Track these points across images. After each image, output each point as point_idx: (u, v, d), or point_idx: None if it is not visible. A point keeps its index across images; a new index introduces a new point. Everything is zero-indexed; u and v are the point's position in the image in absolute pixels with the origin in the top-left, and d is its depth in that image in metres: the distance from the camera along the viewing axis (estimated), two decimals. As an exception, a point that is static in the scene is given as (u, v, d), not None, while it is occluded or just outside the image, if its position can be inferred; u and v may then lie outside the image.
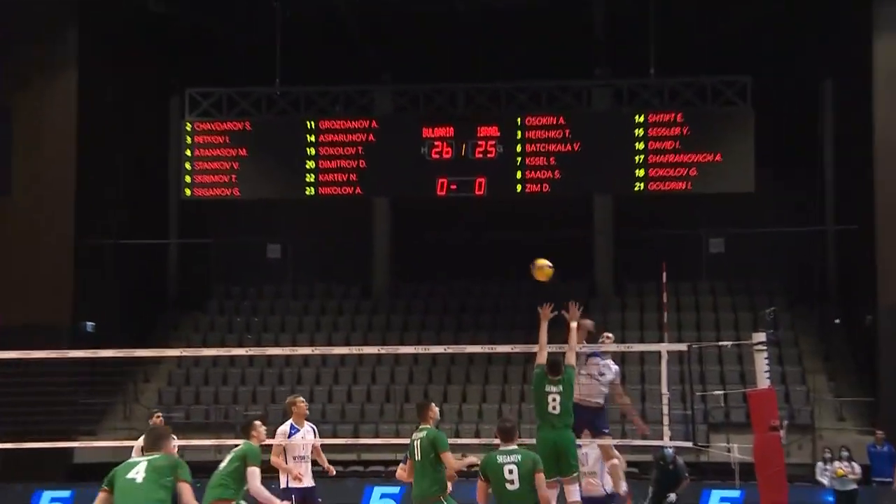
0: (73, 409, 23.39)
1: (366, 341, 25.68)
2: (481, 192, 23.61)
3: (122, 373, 25.13)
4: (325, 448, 23.01)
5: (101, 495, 7.91)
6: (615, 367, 12.59)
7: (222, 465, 10.96)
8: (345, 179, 24.31)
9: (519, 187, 23.63)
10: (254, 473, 10.68)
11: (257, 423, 11.08)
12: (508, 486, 9.22)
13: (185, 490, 7.88)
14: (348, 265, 29.24)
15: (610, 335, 12.94)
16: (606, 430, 12.18)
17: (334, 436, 23.08)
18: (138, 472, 7.89)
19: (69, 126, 25.78)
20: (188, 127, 24.74)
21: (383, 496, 21.90)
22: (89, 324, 26.05)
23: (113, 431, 24.11)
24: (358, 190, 24.42)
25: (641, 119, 23.68)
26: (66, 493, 21.47)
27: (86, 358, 15.73)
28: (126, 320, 26.94)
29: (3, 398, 11.78)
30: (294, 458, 12.62)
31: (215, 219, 29.00)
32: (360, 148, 24.11)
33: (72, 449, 21.89)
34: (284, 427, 12.71)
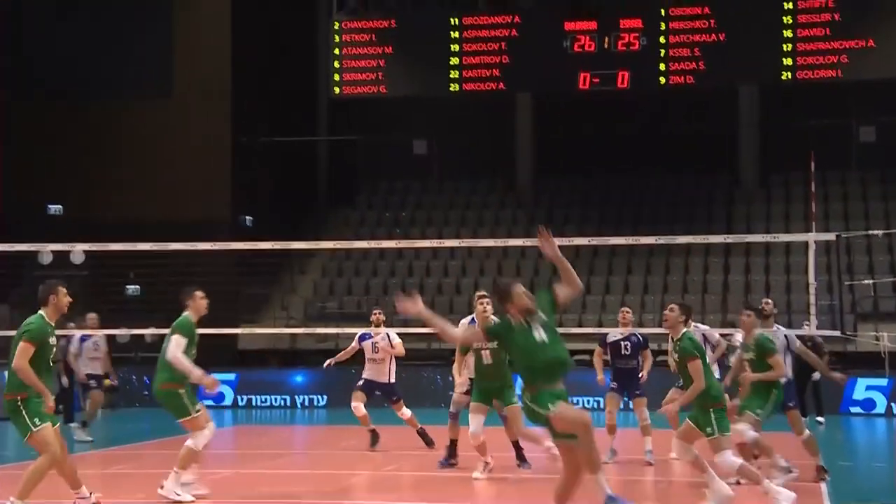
0: (236, 298, 24.25)
1: (510, 234, 25.73)
2: (624, 85, 23.23)
3: (279, 265, 25.86)
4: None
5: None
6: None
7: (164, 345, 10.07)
8: (488, 75, 24.21)
9: (662, 79, 23.18)
10: (177, 343, 9.83)
11: (198, 293, 10.14)
12: None
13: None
14: (492, 160, 29.22)
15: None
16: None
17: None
18: None
19: (225, 28, 26.24)
20: (336, 26, 24.89)
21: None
22: (247, 218, 26.81)
23: (272, 320, 24.91)
24: (501, 85, 24.31)
25: (790, 5, 22.82)
26: (231, 376, 22.37)
27: (246, 250, 16.25)
28: (280, 215, 27.59)
29: (173, 289, 12.28)
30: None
31: (363, 116, 29.26)
32: (503, 43, 23.93)
33: (235, 335, 22.68)
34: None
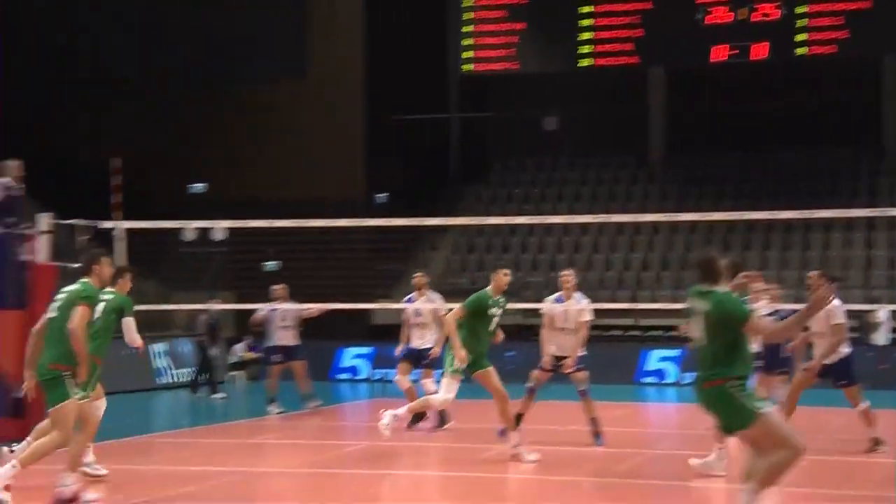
0: (370, 274, 24.43)
1: (643, 210, 25.31)
2: (760, 57, 22.54)
3: (412, 241, 25.94)
4: (604, 312, 23.14)
5: None
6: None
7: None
8: (620, 49, 23.79)
9: (802, 50, 22.37)
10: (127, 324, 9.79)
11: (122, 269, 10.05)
12: None
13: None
14: (623, 136, 28.77)
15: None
16: None
17: (612, 300, 23.06)
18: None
19: (357, 10, 26.40)
20: (468, 2, 24.75)
21: (661, 359, 21.81)
22: (381, 195, 26.97)
23: (405, 295, 24.95)
24: (634, 60, 23.85)
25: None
26: (366, 350, 22.55)
27: (380, 227, 16.27)
28: (413, 192, 27.67)
29: (311, 264, 12.41)
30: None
31: (494, 92, 29.09)
32: (636, 17, 23.45)
33: (370, 310, 22.84)
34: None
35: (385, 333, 24.59)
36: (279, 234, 17.63)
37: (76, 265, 14.23)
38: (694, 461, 9.62)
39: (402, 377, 13.25)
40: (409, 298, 13.74)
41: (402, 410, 10.51)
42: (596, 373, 22.03)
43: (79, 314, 8.39)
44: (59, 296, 8.70)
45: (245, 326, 22.76)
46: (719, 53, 22.75)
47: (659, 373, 21.64)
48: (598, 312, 23.82)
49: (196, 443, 12.72)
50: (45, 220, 12.93)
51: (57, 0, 27.07)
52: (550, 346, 11.68)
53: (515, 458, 10.32)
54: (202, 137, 27.46)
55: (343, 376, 22.39)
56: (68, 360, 8.41)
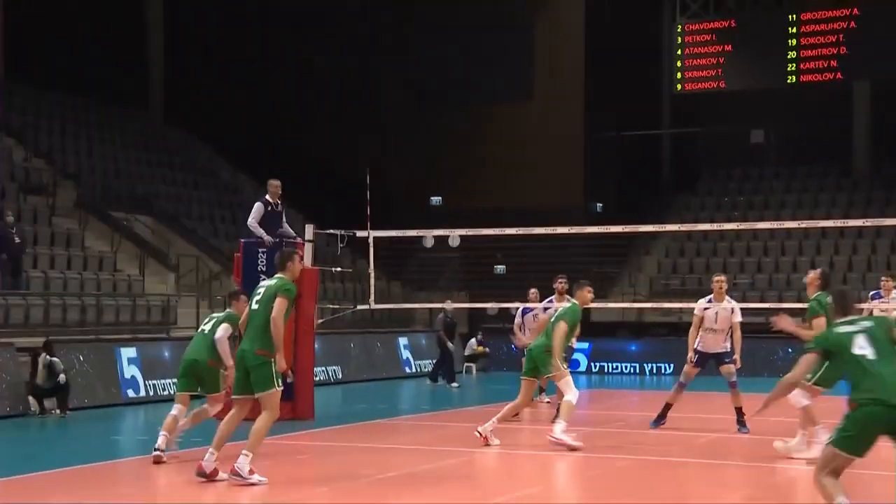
0: (589, 276, 24.33)
1: (846, 216, 24.22)
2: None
3: (627, 246, 25.72)
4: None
5: None
6: None
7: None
8: (825, 66, 22.82)
9: None
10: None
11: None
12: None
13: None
14: (827, 147, 27.59)
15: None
16: None
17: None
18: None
19: (578, 37, 26.44)
20: (679, 28, 24.34)
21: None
22: (598, 205, 26.89)
23: (621, 295, 24.84)
24: (838, 75, 22.82)
25: None
26: (584, 346, 22.54)
27: (598, 233, 16.24)
28: (627, 201, 27.43)
29: (535, 267, 12.58)
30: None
31: (703, 109, 28.48)
32: (840, 35, 22.43)
33: (589, 309, 22.77)
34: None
35: (602, 330, 24.54)
36: (507, 240, 17.86)
37: (336, 269, 14.87)
38: (778, 444, 9.78)
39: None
40: (527, 309, 13.72)
41: (560, 425, 10.46)
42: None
43: (279, 305, 8.38)
44: (259, 290, 8.68)
45: (477, 323, 23.21)
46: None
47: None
48: (803, 312, 23.06)
49: (434, 426, 13.09)
50: (310, 230, 13.66)
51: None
52: (698, 344, 11.82)
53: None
54: (440, 154, 28.12)
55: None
56: (271, 348, 8.39)
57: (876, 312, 13.41)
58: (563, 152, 27.26)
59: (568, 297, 12.66)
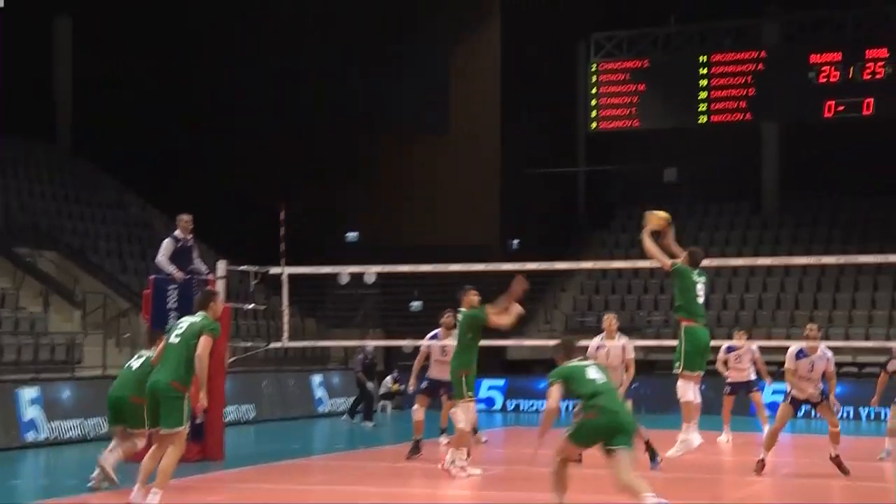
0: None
1: (757, 254, 24.88)
2: (869, 112, 21.94)
3: (543, 283, 25.96)
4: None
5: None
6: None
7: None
8: (735, 107, 23.48)
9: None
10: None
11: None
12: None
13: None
14: (738, 185, 28.34)
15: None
16: None
17: (728, 339, 22.60)
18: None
19: (495, 74, 26.77)
20: (593, 68, 24.84)
21: (775, 392, 21.25)
22: (515, 242, 27.13)
23: (537, 333, 25.03)
24: (747, 116, 23.51)
25: None
26: (500, 382, 22.64)
27: (514, 270, 16.36)
28: (543, 239, 27.73)
29: (452, 303, 12.66)
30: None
31: (618, 147, 29.03)
32: (749, 77, 23.13)
33: (505, 347, 22.95)
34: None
35: (518, 367, 24.69)
36: (424, 276, 17.90)
37: (249, 306, 14.78)
38: None
39: (419, 408, 13.07)
40: (435, 335, 13.53)
41: (459, 455, 10.83)
42: (713, 408, 21.66)
43: (205, 343, 8.68)
44: (180, 324, 8.96)
45: (393, 360, 23.13)
46: (830, 109, 22.22)
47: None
48: (714, 350, 23.42)
49: (349, 465, 12.99)
50: (222, 266, 13.51)
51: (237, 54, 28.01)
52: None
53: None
54: (357, 188, 28.07)
55: (480, 406, 22.50)
56: (186, 383, 8.63)
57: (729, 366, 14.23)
58: (481, 188, 27.47)
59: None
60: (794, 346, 11.82)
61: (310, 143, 28.20)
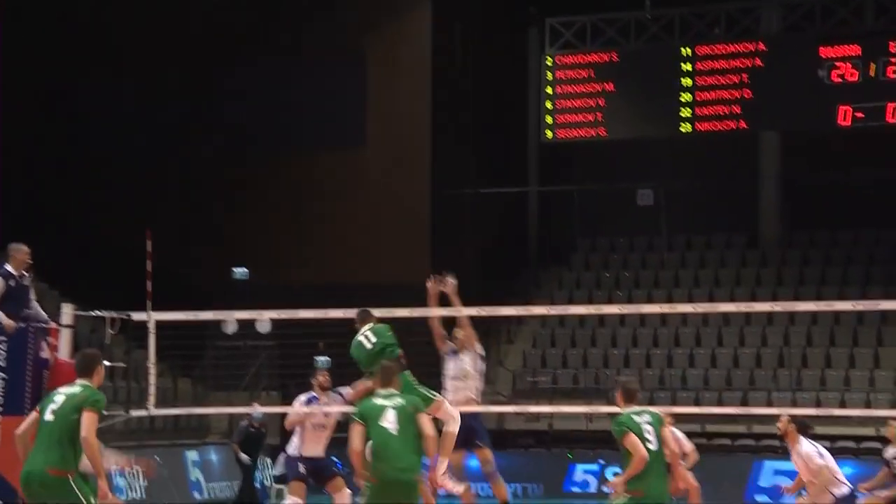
0: (436, 371, 24.33)
1: (753, 297, 25.17)
2: (894, 120, 22.27)
3: (485, 333, 25.82)
4: (711, 418, 22.85)
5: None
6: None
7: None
8: (726, 113, 23.65)
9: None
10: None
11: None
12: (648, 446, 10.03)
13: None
14: (731, 211, 28.68)
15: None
16: None
17: (719, 404, 22.78)
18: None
19: (423, 70, 26.74)
20: (549, 61, 24.88)
21: (777, 472, 21.42)
22: (449, 280, 26.96)
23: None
24: (742, 124, 23.68)
25: None
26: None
27: (448, 317, 16.24)
28: (486, 276, 27.65)
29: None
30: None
31: (579, 162, 29.17)
32: (744, 75, 23.33)
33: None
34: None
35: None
36: (333, 324, 17.66)
37: (105, 363, 14.41)
38: None
39: (297, 500, 13.04)
40: (313, 397, 13.70)
41: None
42: (701, 489, 21.71)
43: (90, 421, 9.01)
44: (57, 398, 9.25)
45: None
46: (846, 116, 22.52)
47: (775, 490, 21.19)
48: (702, 418, 23.61)
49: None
50: (67, 312, 13.16)
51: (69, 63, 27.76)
52: None
53: None
54: (244, 216, 27.78)
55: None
56: (69, 465, 8.99)
57: None
58: (405, 213, 27.36)
59: (334, 391, 13.43)
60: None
61: (185, 163, 27.89)
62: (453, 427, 11.62)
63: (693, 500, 15.36)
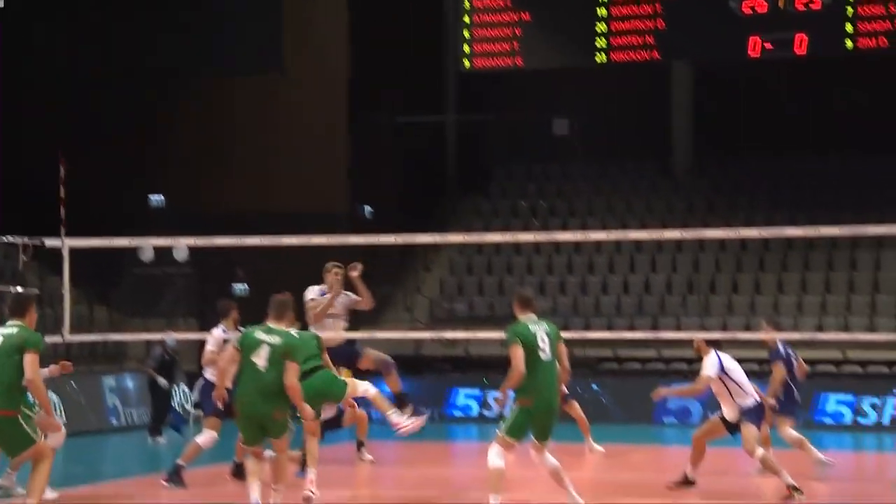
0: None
1: (664, 225, 25.34)
2: (802, 51, 22.54)
3: (402, 261, 25.94)
4: (623, 343, 23.22)
5: None
6: None
7: None
8: (640, 43, 23.81)
9: (849, 43, 22.34)
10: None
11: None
12: (541, 355, 10.21)
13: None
14: (644, 141, 28.84)
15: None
16: None
17: (631, 329, 23.10)
18: None
19: (340, -1, 26.51)
20: (466, -11, 24.80)
21: (685, 397, 21.81)
22: (367, 208, 27.00)
23: (395, 322, 24.98)
24: (655, 54, 23.86)
25: None
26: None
27: (365, 245, 16.29)
28: (404, 205, 27.67)
29: (286, 285, 12.44)
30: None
31: (496, 91, 29.15)
32: (657, 5, 23.47)
33: (354, 339, 22.80)
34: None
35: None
36: (250, 252, 17.61)
37: (17, 289, 14.36)
38: None
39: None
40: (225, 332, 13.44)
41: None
42: (611, 412, 22.13)
43: (32, 362, 9.28)
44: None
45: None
46: (755, 47, 22.72)
47: (683, 412, 21.62)
48: (614, 343, 23.93)
49: (145, 493, 12.73)
50: (-23, 238, 12.98)
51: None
52: None
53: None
54: (161, 142, 27.45)
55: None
56: (15, 405, 9.30)
57: None
58: (323, 142, 27.23)
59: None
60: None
61: (99, 87, 27.41)
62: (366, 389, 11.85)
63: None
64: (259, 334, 10.14)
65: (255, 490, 10.01)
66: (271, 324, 10.24)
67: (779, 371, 13.17)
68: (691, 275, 25.56)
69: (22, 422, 9.30)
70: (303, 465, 12.20)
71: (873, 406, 21.02)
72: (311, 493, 10.96)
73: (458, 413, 22.81)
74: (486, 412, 22.41)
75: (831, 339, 19.74)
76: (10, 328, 9.45)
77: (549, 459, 10.19)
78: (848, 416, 21.05)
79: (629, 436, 19.16)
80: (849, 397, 21.16)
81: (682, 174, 28.48)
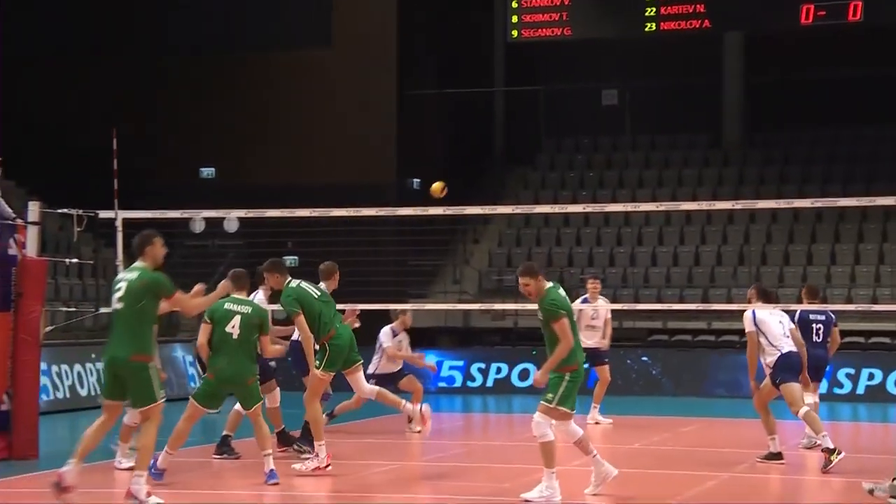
0: (403, 270, 24.48)
1: (715, 196, 25.24)
2: (856, 18, 22.26)
3: (451, 232, 25.95)
4: (672, 314, 23.06)
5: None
6: None
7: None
8: (691, 12, 23.63)
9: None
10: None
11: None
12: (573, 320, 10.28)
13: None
14: (695, 112, 28.68)
15: None
16: None
17: (681, 301, 23.02)
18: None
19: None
20: (514, -40, 24.69)
21: (735, 366, 21.70)
22: (415, 180, 27.01)
23: (443, 294, 25.04)
24: (706, 23, 23.68)
25: None
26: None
27: (414, 216, 16.31)
28: (452, 177, 27.55)
29: (335, 258, 12.51)
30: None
31: (545, 62, 29.05)
32: (707, -26, 23.26)
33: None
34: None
35: (420, 337, 24.66)
36: (300, 224, 17.68)
37: (72, 260, 14.52)
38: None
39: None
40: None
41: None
42: (662, 384, 22.04)
43: (171, 306, 9.92)
44: (118, 284, 9.60)
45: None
46: (808, 14, 22.48)
47: (734, 384, 21.51)
48: (664, 314, 23.77)
49: (213, 462, 12.81)
50: (34, 210, 13.10)
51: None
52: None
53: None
54: (211, 115, 27.59)
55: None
56: (148, 351, 9.45)
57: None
58: (371, 115, 27.26)
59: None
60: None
61: (151, 62, 27.61)
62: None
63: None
64: (229, 305, 10.92)
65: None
66: (237, 295, 10.97)
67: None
68: (742, 246, 25.41)
69: (150, 372, 9.41)
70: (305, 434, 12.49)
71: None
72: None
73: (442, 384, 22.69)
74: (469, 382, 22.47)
75: (886, 309, 19.56)
76: (133, 272, 9.62)
77: (576, 428, 10.09)
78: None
79: (681, 408, 19.15)
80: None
81: (734, 146, 28.30)
